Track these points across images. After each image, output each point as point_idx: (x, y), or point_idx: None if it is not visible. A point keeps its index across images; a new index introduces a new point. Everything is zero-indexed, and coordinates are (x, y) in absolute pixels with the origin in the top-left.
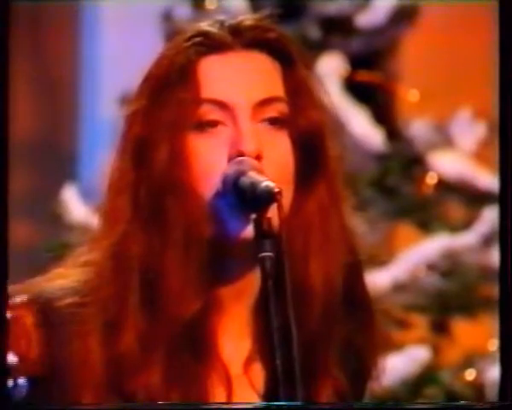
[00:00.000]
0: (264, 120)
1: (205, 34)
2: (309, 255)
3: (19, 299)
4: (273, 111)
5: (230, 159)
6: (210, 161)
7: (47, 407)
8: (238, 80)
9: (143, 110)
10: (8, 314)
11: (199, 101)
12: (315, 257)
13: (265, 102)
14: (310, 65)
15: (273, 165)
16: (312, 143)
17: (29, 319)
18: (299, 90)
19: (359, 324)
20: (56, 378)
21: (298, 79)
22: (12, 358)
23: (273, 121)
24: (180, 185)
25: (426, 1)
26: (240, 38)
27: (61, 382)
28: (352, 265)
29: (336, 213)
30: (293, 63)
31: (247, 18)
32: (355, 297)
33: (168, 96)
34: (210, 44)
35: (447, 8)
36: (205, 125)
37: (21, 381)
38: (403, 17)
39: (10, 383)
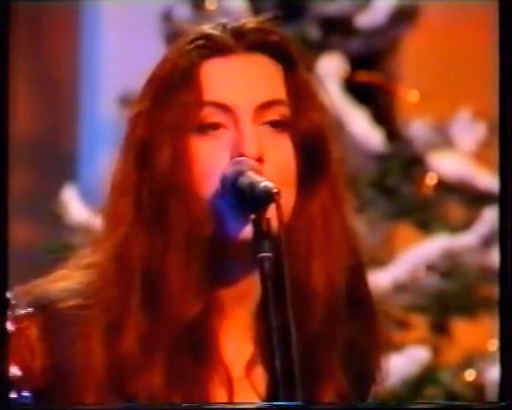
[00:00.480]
0: (265, 123)
1: (207, 37)
2: (311, 257)
3: (23, 311)
4: (275, 114)
5: (232, 160)
6: (212, 164)
7: (48, 406)
8: (240, 83)
9: (146, 112)
10: (12, 327)
11: (201, 103)
12: (317, 259)
13: (267, 105)
14: (311, 67)
15: (275, 167)
16: (314, 146)
17: (33, 331)
18: (301, 93)
19: (362, 326)
20: (59, 382)
21: (300, 81)
22: (15, 371)
23: (275, 124)
24: (182, 187)
25: (426, 1)
26: (242, 40)
27: (63, 383)
28: (355, 266)
29: (338, 214)
30: (295, 66)
31: (250, 21)
32: (358, 299)
33: (171, 98)
34: (212, 47)
35: (447, 9)
36: (207, 128)
37: (25, 394)
38: (403, 17)
39: (14, 395)
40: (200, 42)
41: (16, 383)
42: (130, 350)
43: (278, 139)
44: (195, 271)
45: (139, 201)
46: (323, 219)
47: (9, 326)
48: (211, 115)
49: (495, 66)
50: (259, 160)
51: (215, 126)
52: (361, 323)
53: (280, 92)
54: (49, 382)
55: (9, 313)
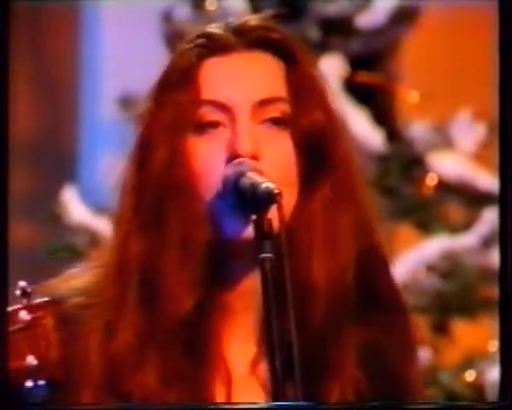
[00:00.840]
0: (265, 121)
1: (208, 36)
2: (311, 253)
3: (38, 300)
4: (274, 111)
5: (228, 160)
6: (208, 162)
7: (47, 406)
8: (238, 81)
9: (148, 112)
10: (27, 316)
11: (199, 102)
12: (317, 255)
13: (266, 102)
14: (314, 65)
15: (274, 165)
16: (316, 144)
17: (49, 321)
18: (303, 91)
19: (385, 323)
20: (70, 374)
21: (301, 79)
22: (31, 360)
23: (274, 122)
24: (179, 187)
25: (426, 1)
26: (243, 38)
27: (72, 376)
28: (371, 262)
29: (345, 211)
30: (297, 63)
31: (252, 18)
32: (377, 295)
33: (170, 98)
34: (212, 46)
35: (447, 9)
36: (205, 127)
37: (40, 383)
38: (403, 18)
39: (29, 384)
40: (200, 41)
41: (32, 373)
42: (125, 348)
43: (278, 137)
44: (192, 270)
45: (139, 200)
46: (325, 217)
47: (25, 315)
48: (209, 114)
49: (495, 66)
50: (255, 157)
51: (214, 125)
52: (383, 320)
53: (280, 89)
54: (64, 372)
55: (24, 301)
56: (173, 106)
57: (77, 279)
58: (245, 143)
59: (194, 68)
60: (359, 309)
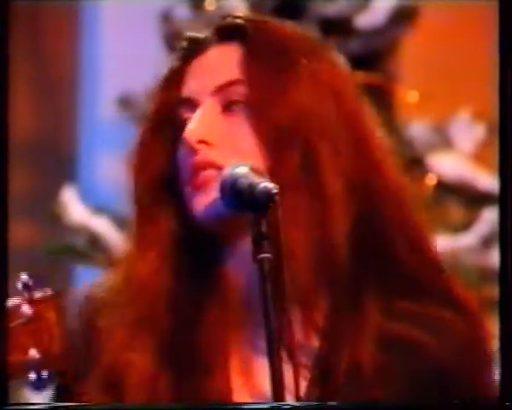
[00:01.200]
0: (226, 107)
1: (188, 39)
2: (288, 225)
3: (40, 294)
4: (234, 95)
5: (183, 147)
6: (178, 157)
7: (46, 406)
8: (201, 74)
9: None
10: (30, 310)
11: (172, 102)
12: (294, 227)
13: (223, 88)
14: (306, 56)
15: (233, 152)
16: (285, 138)
17: (52, 315)
18: (269, 79)
19: (426, 315)
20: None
21: (267, 65)
22: (34, 353)
23: (234, 106)
24: (163, 184)
25: (425, 1)
26: (216, 34)
27: (68, 371)
28: (393, 241)
29: (333, 187)
30: (264, 49)
31: (234, 14)
32: (409, 281)
33: (155, 101)
34: (192, 48)
35: (447, 9)
36: (181, 126)
37: (44, 375)
38: (402, 18)
39: (33, 377)
40: (183, 45)
41: (35, 366)
42: (119, 335)
43: (240, 125)
44: (178, 262)
45: (134, 202)
46: (298, 197)
47: (27, 309)
48: (182, 113)
49: (495, 66)
50: (205, 143)
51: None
52: (422, 309)
53: (237, 73)
54: (67, 364)
55: (26, 295)
56: (156, 108)
57: (109, 278)
58: (192, 128)
59: (178, 71)
60: (379, 293)
